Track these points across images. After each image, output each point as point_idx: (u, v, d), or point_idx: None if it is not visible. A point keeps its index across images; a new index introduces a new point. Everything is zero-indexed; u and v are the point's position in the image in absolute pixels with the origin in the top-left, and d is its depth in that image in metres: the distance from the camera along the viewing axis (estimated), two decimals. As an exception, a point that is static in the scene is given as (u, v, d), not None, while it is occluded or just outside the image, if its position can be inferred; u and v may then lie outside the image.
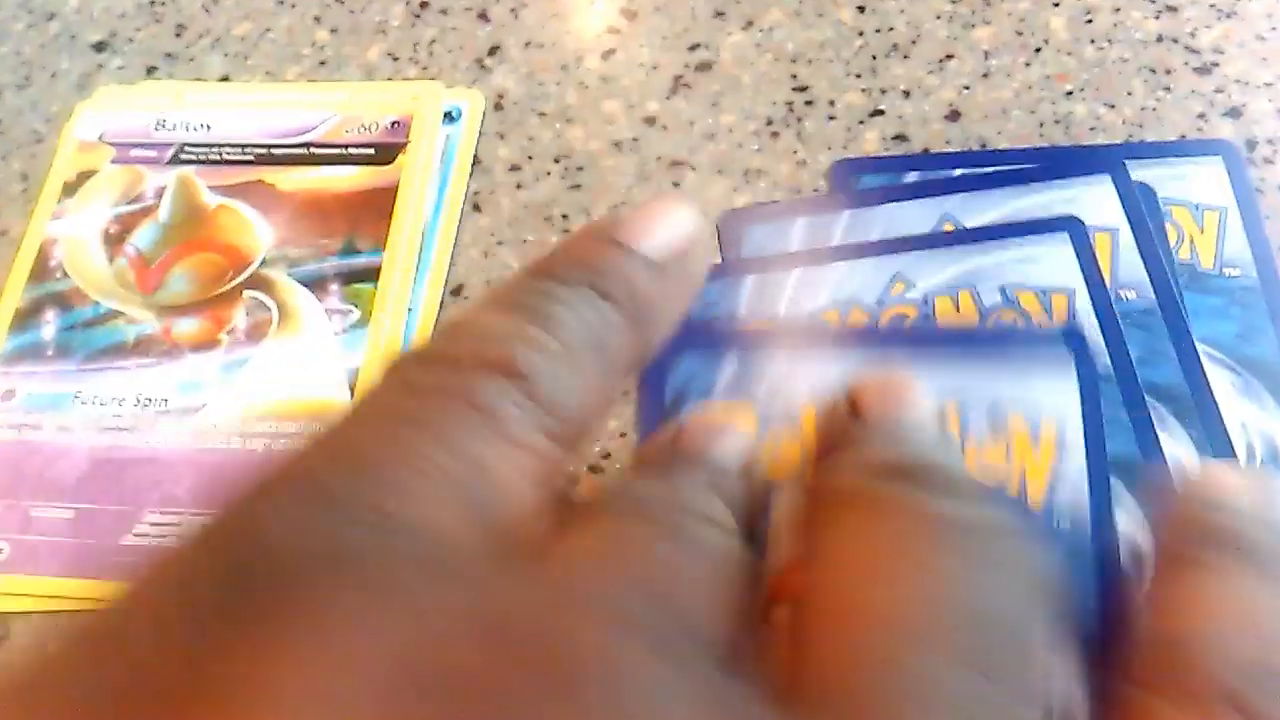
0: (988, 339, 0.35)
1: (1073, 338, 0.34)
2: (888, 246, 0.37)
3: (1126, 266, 0.36)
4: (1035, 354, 0.33)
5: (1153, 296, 0.35)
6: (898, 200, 0.38)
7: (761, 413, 0.34)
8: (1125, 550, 0.31)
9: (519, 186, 0.41)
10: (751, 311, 0.36)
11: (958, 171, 0.38)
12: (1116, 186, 0.37)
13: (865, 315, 0.36)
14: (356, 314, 0.38)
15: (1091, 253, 0.36)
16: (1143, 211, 0.37)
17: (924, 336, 0.35)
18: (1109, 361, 0.34)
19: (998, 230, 0.37)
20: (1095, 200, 0.37)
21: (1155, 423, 0.33)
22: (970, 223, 0.37)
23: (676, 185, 0.40)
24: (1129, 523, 0.31)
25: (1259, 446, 0.34)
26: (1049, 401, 0.33)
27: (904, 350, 0.35)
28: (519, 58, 0.44)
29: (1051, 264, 0.36)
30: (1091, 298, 0.35)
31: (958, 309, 0.35)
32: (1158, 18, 0.42)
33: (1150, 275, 0.36)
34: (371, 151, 0.41)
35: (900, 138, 0.40)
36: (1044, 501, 0.32)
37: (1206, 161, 0.38)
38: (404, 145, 0.41)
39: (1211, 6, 0.42)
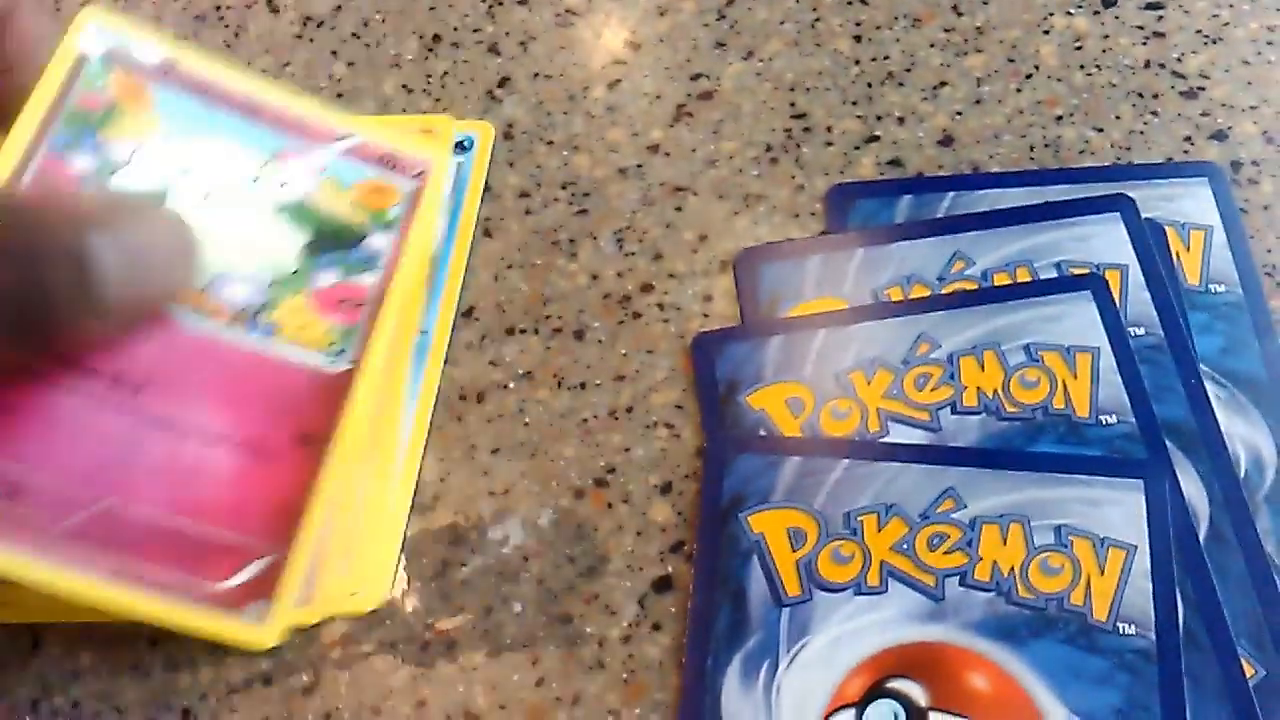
0: (1056, 461, 0.35)
1: (1151, 467, 0.34)
2: (912, 307, 0.37)
3: (1135, 303, 0.37)
4: (1108, 481, 0.34)
5: (1161, 333, 0.36)
6: (910, 239, 0.39)
7: (822, 520, 0.35)
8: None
9: (528, 212, 0.42)
10: (777, 372, 0.37)
11: (976, 202, 0.39)
12: (1126, 226, 0.38)
13: (891, 375, 0.36)
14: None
15: (1115, 312, 0.36)
16: (1153, 251, 0.38)
17: (990, 457, 0.35)
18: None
19: (1021, 289, 0.37)
20: (1105, 237, 0.38)
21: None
22: (983, 261, 0.38)
23: (679, 210, 0.42)
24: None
25: (1244, 459, 0.35)
26: (1117, 526, 0.33)
27: (972, 466, 0.35)
28: (528, 88, 0.45)
29: (1075, 322, 0.36)
30: (1117, 359, 0.36)
31: (982, 368, 0.36)
32: (1145, 44, 0.43)
33: (1160, 313, 0.37)
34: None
35: (895, 163, 0.41)
36: (1109, 609, 0.32)
37: (1193, 183, 0.40)
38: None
39: (1198, 32, 0.43)
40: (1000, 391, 0.36)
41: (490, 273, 0.41)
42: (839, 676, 0.32)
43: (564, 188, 0.43)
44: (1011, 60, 0.43)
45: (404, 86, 0.46)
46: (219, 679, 0.35)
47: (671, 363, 0.39)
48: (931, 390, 0.36)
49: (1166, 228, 0.38)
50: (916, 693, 0.32)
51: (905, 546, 0.34)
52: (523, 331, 0.40)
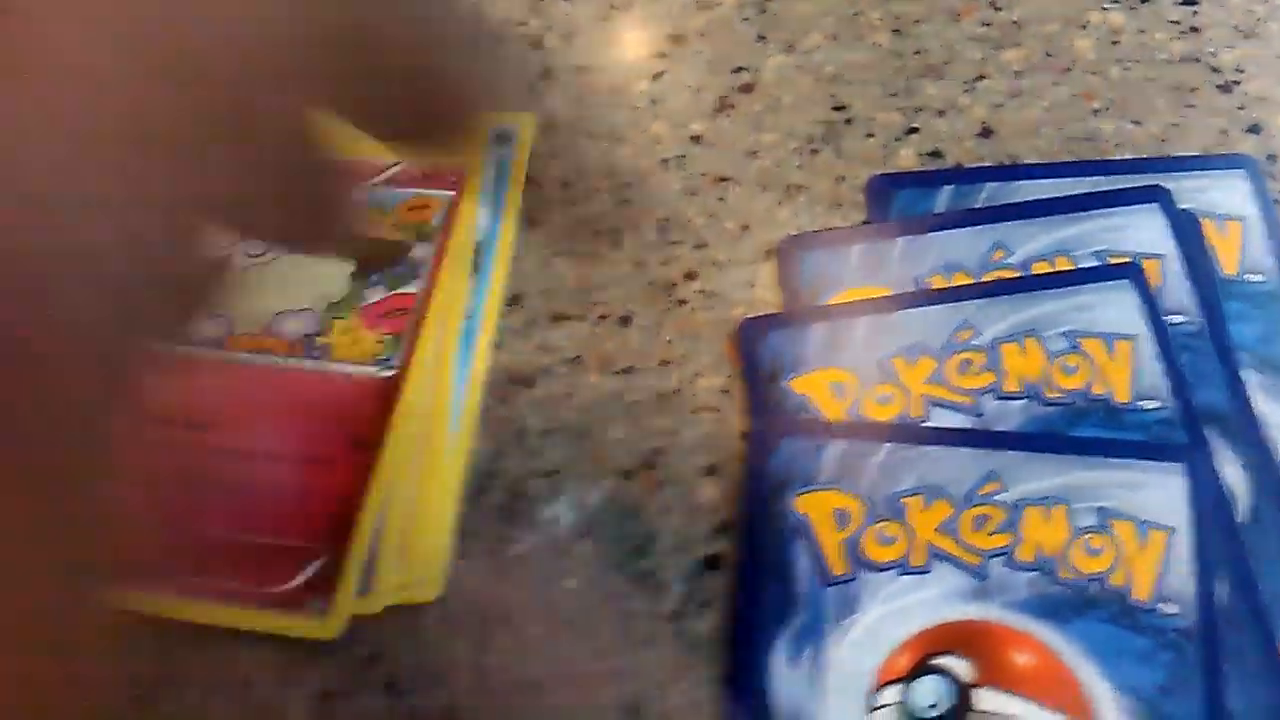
0: (1097, 445, 0.35)
1: (1190, 451, 0.35)
2: (954, 294, 0.38)
3: (1173, 292, 0.38)
4: (1149, 465, 0.34)
5: (1199, 321, 0.37)
6: (950, 228, 0.40)
7: (867, 502, 0.36)
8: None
9: (571, 202, 0.43)
10: (821, 358, 0.38)
11: (1014, 192, 0.40)
12: (1166, 215, 0.39)
13: (933, 361, 0.37)
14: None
15: (1154, 300, 0.37)
16: (1191, 240, 0.38)
17: (1033, 440, 0.36)
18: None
19: (1061, 278, 0.38)
20: (1143, 227, 0.39)
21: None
22: (1022, 250, 0.39)
23: (722, 200, 0.42)
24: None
25: (1281, 443, 0.35)
26: (1158, 508, 0.34)
27: (1015, 450, 0.35)
28: (570, 81, 0.46)
29: (1115, 310, 0.37)
30: (1156, 346, 0.36)
31: (1024, 354, 0.37)
32: (1181, 38, 0.44)
33: (1200, 301, 0.37)
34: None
35: (935, 154, 0.42)
36: (1151, 589, 0.33)
37: (1229, 175, 0.40)
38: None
39: (1233, 28, 0.44)
40: (1041, 377, 0.36)
41: (536, 261, 0.42)
42: (886, 653, 0.33)
43: (606, 178, 0.44)
44: (1049, 54, 0.44)
45: (449, 79, 0.47)
46: (280, 650, 0.36)
47: (716, 348, 0.40)
48: (974, 376, 0.37)
49: (1202, 219, 0.39)
50: (963, 669, 0.32)
51: (949, 528, 0.34)
52: (569, 318, 0.41)
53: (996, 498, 0.35)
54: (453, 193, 0.43)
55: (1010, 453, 0.35)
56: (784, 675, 0.33)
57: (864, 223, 0.41)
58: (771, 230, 0.41)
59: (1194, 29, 0.44)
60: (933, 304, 0.38)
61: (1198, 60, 0.43)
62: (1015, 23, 0.45)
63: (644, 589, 0.36)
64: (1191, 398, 0.36)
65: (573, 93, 0.46)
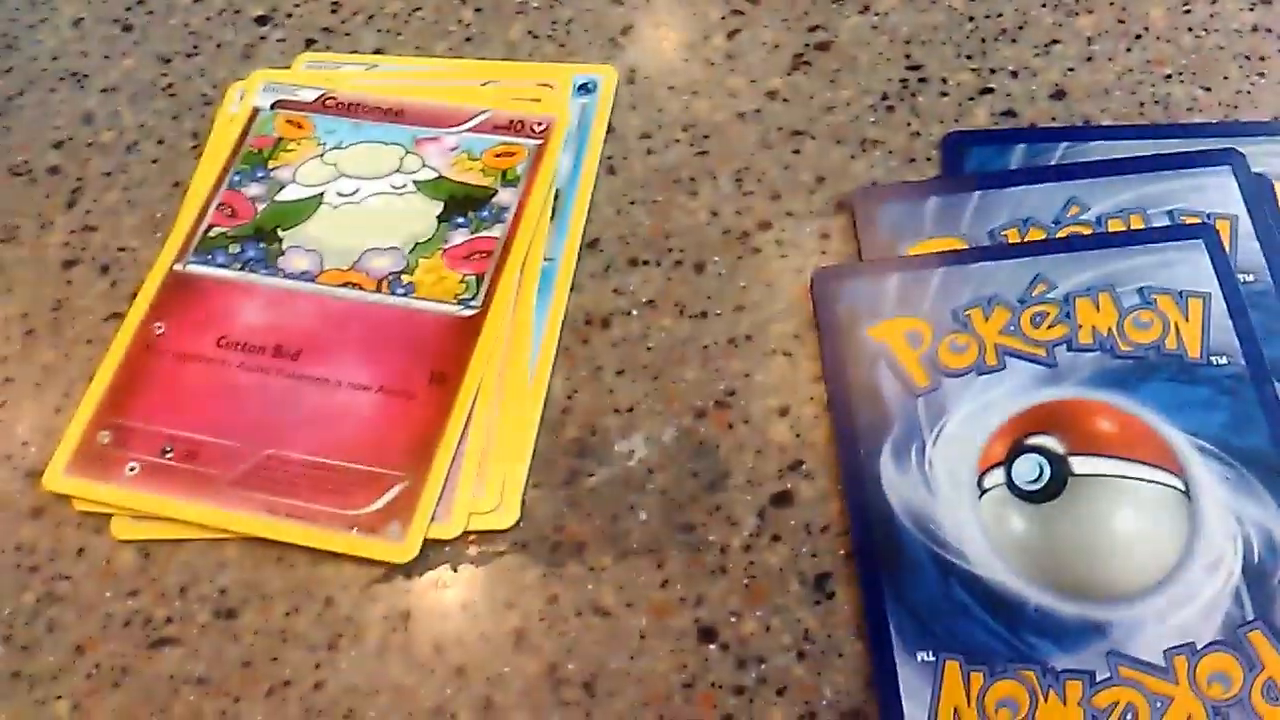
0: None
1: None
2: (1029, 249, 0.40)
3: (1244, 252, 0.39)
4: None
5: (1269, 280, 0.38)
6: (1026, 184, 0.41)
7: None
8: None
9: (649, 152, 0.44)
10: (897, 307, 0.39)
11: (1086, 152, 0.41)
12: (1237, 178, 0.40)
13: (1008, 312, 0.38)
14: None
15: (1226, 260, 0.38)
16: (1264, 203, 0.39)
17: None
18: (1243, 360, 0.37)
19: (1135, 236, 0.39)
20: (1216, 189, 0.40)
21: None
22: (1097, 206, 0.40)
23: (797, 153, 0.43)
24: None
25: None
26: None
27: (1056, 255, 0.39)
28: (650, 36, 0.47)
29: (1188, 268, 0.38)
30: (1227, 303, 0.38)
31: (1098, 308, 0.38)
32: (1253, 9, 0.44)
33: (1269, 261, 0.38)
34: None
35: (1009, 113, 0.43)
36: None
37: (1301, 141, 0.41)
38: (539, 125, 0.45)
39: (1306, -1, 0.44)
40: (1114, 330, 0.37)
41: (614, 208, 0.43)
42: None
43: (685, 130, 0.45)
44: (1121, 21, 0.45)
45: (529, 33, 0.48)
46: (361, 571, 0.37)
47: (788, 295, 0.41)
48: (1048, 328, 0.38)
49: (1276, 181, 0.40)
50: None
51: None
52: (645, 263, 0.42)
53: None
54: (539, 141, 0.44)
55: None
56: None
57: (938, 178, 0.42)
58: (845, 183, 0.42)
59: (1266, 1, 0.44)
60: (1009, 258, 0.39)
61: (1270, 30, 0.44)
62: (1089, -10, 0.46)
63: (716, 522, 0.37)
64: (1262, 353, 0.36)
65: (652, 47, 0.47)
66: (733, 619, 0.35)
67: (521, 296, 0.41)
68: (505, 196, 0.43)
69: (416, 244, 0.42)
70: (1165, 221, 0.39)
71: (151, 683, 0.36)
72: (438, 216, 0.43)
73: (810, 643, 0.34)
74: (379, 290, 0.41)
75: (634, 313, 0.41)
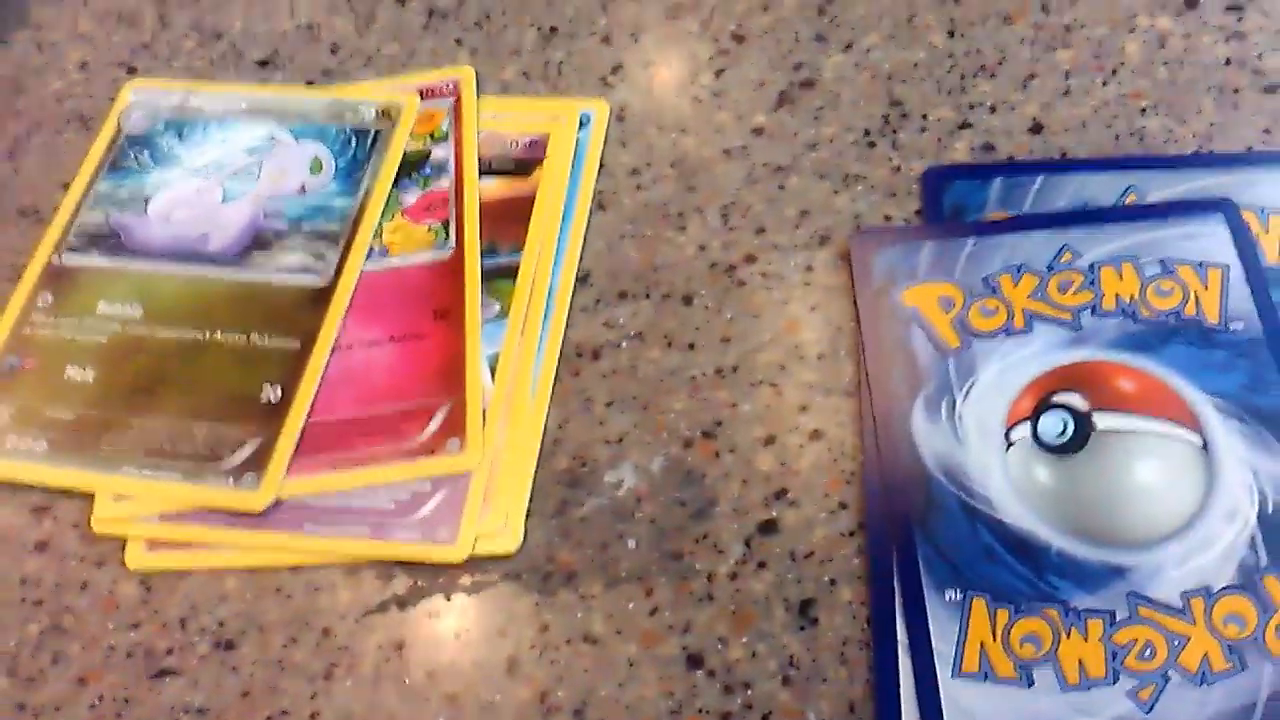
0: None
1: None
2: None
3: (1235, 299, 0.40)
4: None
5: (1260, 326, 0.39)
6: (1020, 231, 0.42)
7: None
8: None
9: (639, 188, 0.45)
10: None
11: (1063, 184, 0.43)
12: (1229, 225, 0.41)
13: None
14: (497, 307, 0.43)
15: (1246, 229, 0.40)
16: (1253, 249, 0.40)
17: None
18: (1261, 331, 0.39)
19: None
20: (1208, 236, 0.41)
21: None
22: (1090, 254, 0.41)
23: (781, 188, 0.44)
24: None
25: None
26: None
27: (1080, 227, 0.41)
28: (639, 75, 0.48)
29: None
30: (1246, 272, 0.40)
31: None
32: (1226, 43, 0.45)
33: (1258, 308, 0.39)
34: (512, 166, 0.46)
35: (988, 147, 0.44)
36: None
37: (1276, 169, 0.42)
38: (541, 160, 0.46)
39: (1277, 33, 0.45)
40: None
41: (604, 242, 0.44)
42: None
43: (672, 166, 0.46)
44: (1097, 56, 0.46)
45: (523, 73, 0.49)
46: (357, 601, 0.38)
47: (775, 327, 0.42)
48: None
49: (1246, 210, 0.41)
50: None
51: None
52: (634, 296, 0.43)
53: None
54: (451, 99, 0.48)
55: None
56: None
57: (917, 212, 0.43)
58: (828, 217, 0.43)
59: (1239, 34, 0.46)
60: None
61: (1243, 64, 0.45)
62: (1065, 26, 0.47)
63: (703, 550, 0.38)
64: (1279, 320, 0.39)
65: (641, 86, 0.48)
66: (719, 646, 0.36)
67: (528, 327, 0.42)
68: (440, 153, 0.47)
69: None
70: (1158, 270, 0.40)
71: (153, 714, 0.36)
72: None
73: (795, 668, 0.35)
74: (360, 259, 0.46)
75: (623, 345, 0.42)
